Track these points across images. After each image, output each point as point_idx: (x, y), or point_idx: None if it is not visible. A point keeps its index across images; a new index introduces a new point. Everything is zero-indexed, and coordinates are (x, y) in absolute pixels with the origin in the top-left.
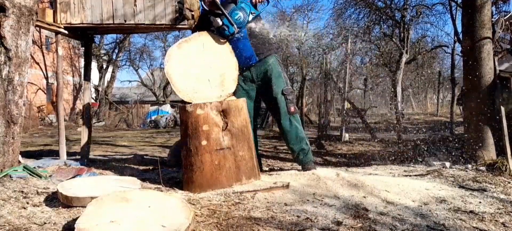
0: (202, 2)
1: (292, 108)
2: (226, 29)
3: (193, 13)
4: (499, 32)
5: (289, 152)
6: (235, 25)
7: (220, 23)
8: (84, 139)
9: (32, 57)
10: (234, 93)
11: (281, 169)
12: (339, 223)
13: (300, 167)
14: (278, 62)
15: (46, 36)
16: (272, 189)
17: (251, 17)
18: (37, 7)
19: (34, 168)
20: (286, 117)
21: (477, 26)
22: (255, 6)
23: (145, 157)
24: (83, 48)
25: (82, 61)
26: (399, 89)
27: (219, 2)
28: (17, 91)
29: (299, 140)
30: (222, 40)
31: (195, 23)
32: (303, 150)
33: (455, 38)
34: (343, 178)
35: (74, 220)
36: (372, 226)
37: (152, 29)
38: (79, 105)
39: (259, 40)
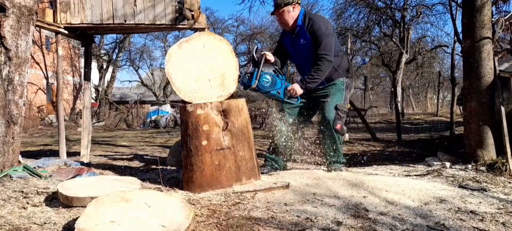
0: (254, 49)
1: (338, 125)
2: (248, 78)
3: (193, 13)
4: (499, 32)
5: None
6: (257, 82)
7: (250, 69)
8: (84, 139)
9: (32, 57)
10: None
11: None
12: (339, 223)
13: (300, 167)
14: (345, 84)
15: (46, 36)
16: (272, 189)
17: (274, 92)
18: (37, 7)
19: (34, 168)
20: (331, 129)
21: (477, 26)
22: (286, 93)
23: (145, 157)
24: (83, 48)
25: (82, 61)
26: (399, 89)
27: (264, 59)
28: (17, 91)
29: (335, 152)
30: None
31: (195, 23)
32: (336, 162)
33: (455, 38)
34: (343, 178)
35: (74, 220)
36: (372, 226)
37: (152, 29)
38: (79, 106)
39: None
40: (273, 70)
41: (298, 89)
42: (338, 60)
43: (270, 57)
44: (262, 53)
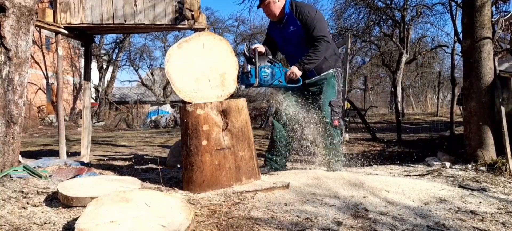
0: (245, 47)
1: (335, 121)
2: (249, 77)
3: (193, 13)
4: (499, 32)
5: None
6: (257, 80)
7: (248, 69)
8: (84, 139)
9: (32, 57)
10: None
11: None
12: (339, 223)
13: (300, 167)
14: (337, 76)
15: (46, 36)
16: (272, 189)
17: (276, 82)
18: (37, 7)
19: (34, 168)
20: (328, 127)
21: (477, 26)
22: (286, 79)
23: (145, 157)
24: (83, 48)
25: (82, 61)
26: (399, 89)
27: (257, 53)
28: (17, 91)
29: (335, 151)
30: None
31: (195, 23)
32: (336, 161)
33: (455, 38)
34: (343, 178)
35: (74, 220)
36: (372, 226)
37: (152, 29)
38: (79, 105)
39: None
40: (268, 62)
41: (296, 71)
42: (334, 60)
43: (261, 48)
44: (253, 48)
